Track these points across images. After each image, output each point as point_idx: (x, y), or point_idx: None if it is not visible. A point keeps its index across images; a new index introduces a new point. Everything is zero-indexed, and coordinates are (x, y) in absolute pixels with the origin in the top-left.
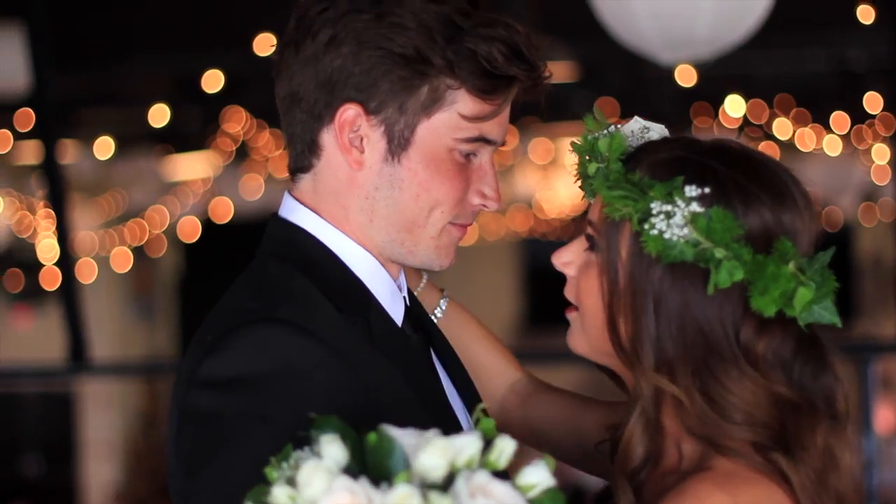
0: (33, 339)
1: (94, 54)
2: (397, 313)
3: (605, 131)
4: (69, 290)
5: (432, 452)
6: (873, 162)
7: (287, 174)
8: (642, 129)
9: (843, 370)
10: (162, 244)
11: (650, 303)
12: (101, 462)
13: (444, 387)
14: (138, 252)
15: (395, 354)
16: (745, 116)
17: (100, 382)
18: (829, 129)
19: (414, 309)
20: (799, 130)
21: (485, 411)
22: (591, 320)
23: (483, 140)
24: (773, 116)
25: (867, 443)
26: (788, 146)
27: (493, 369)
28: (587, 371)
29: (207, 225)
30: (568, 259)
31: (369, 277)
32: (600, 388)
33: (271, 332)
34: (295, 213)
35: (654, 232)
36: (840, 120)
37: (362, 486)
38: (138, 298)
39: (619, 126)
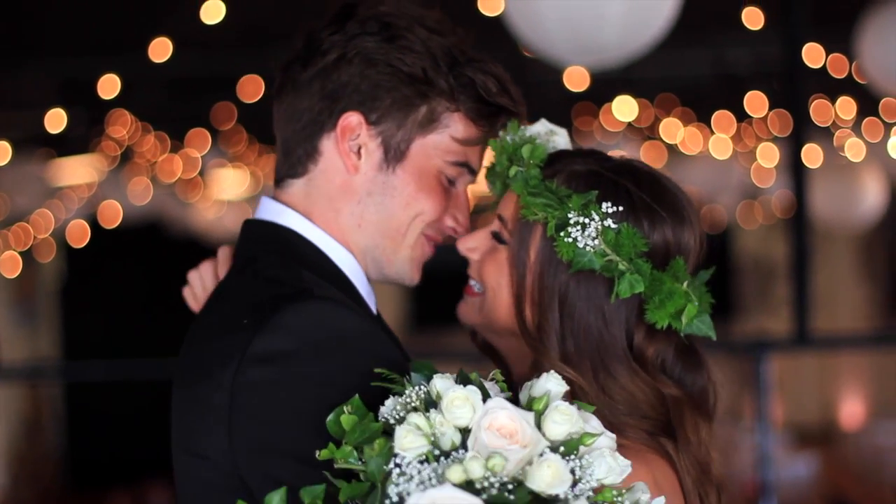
0: None
1: None
2: (372, 309)
3: (527, 135)
4: None
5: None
6: (755, 161)
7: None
8: (548, 133)
9: (716, 372)
10: (50, 248)
11: (556, 302)
12: None
13: None
14: (26, 256)
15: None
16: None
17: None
18: (712, 131)
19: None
20: (683, 130)
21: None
22: (493, 302)
23: (466, 166)
24: (657, 118)
25: (764, 439)
26: (673, 148)
27: None
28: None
29: (95, 229)
30: (473, 245)
31: (352, 276)
32: None
33: (316, 307)
34: (282, 215)
35: (569, 240)
36: (724, 121)
37: (512, 406)
38: (20, 302)
39: (525, 128)
